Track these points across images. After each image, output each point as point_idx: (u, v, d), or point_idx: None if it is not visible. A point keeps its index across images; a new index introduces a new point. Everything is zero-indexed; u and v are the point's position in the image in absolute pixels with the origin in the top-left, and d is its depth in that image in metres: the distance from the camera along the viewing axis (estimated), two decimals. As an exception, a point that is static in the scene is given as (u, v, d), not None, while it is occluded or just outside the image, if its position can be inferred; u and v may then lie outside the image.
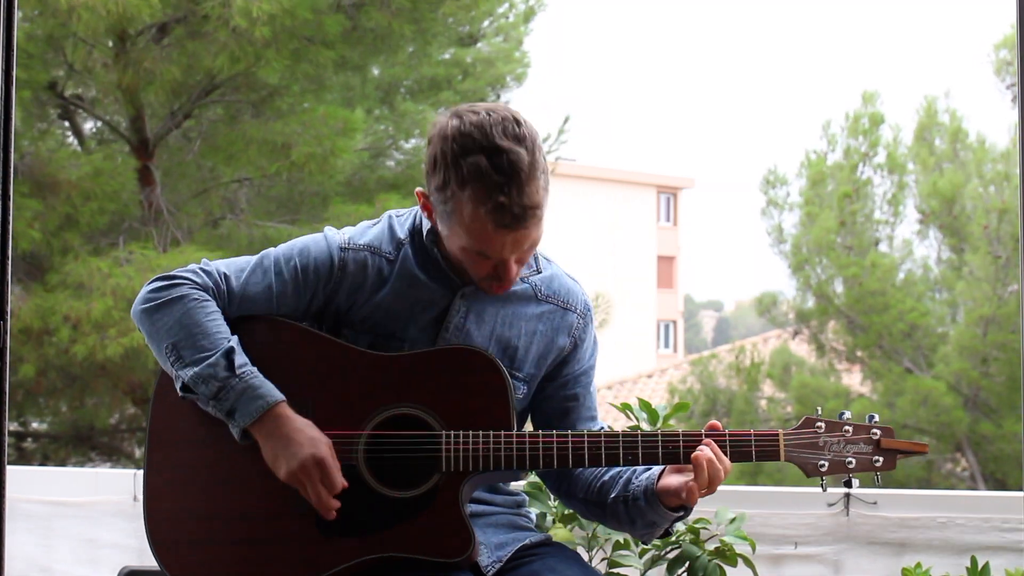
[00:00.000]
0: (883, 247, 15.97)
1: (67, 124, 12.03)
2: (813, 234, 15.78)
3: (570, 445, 2.45)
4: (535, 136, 2.42)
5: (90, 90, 11.53)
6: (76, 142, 12.00)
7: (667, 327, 35.23)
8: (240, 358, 2.43)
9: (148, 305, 2.49)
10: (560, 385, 2.66)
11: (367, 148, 11.77)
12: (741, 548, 3.35)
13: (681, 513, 2.52)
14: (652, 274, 33.80)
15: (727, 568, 3.34)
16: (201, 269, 2.53)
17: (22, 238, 10.12)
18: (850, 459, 2.48)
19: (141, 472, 4.57)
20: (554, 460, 2.44)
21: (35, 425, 13.58)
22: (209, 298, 2.49)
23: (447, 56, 12.47)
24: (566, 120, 13.06)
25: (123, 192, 10.83)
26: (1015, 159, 14.66)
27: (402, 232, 2.58)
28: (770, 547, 4.10)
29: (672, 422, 3.47)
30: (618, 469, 2.59)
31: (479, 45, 12.80)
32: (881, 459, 2.48)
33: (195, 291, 2.48)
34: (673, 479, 2.47)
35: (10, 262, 2.60)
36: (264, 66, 10.26)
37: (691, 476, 2.43)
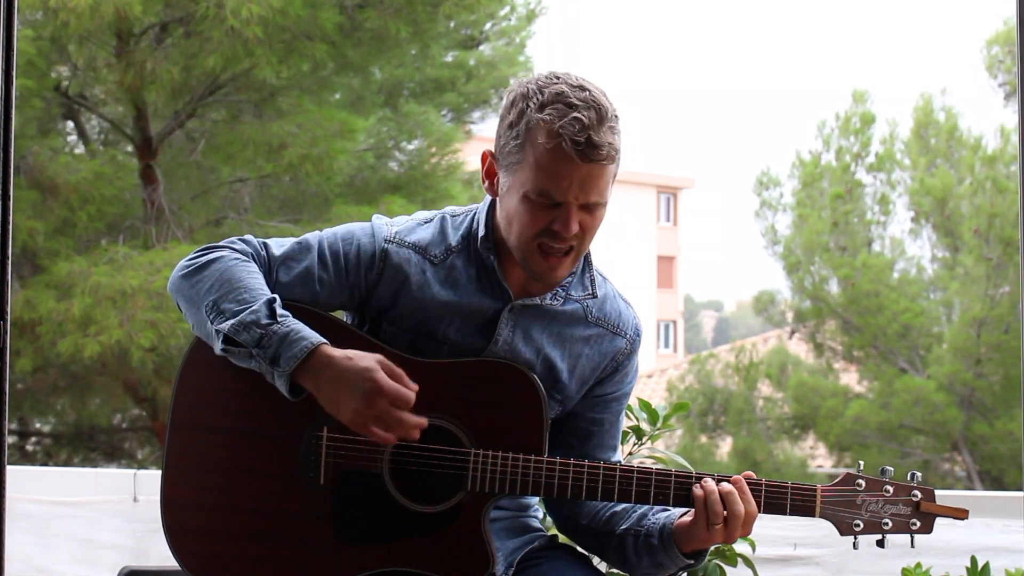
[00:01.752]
0: (876, 247, 15.98)
1: (72, 124, 12.05)
2: (806, 235, 15.78)
3: (600, 478, 2.36)
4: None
5: (94, 90, 11.55)
6: (80, 142, 12.03)
7: (667, 327, 35.25)
8: (282, 308, 2.33)
9: (186, 271, 2.40)
10: (589, 405, 2.55)
11: (369, 149, 11.78)
12: (741, 548, 3.34)
13: (691, 562, 2.44)
14: (652, 274, 33.82)
15: (727, 568, 3.34)
16: (240, 239, 2.47)
17: (20, 237, 10.13)
18: (887, 520, 2.42)
19: (141, 472, 4.55)
20: (583, 491, 2.36)
21: (37, 425, 13.59)
22: (248, 259, 2.41)
23: (450, 59, 12.49)
24: None
25: (122, 196, 10.85)
26: (1008, 161, 14.67)
27: (454, 238, 2.48)
28: (770, 548, 4.09)
29: (672, 422, 3.46)
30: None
31: (482, 48, 12.82)
32: (919, 523, 2.42)
33: (234, 253, 2.42)
34: (690, 518, 2.39)
35: (10, 262, 2.57)
36: (258, 65, 10.26)
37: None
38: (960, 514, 2.43)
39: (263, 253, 2.45)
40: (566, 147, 2.28)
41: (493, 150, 2.42)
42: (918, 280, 16.05)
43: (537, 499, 2.70)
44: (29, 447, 13.22)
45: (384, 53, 11.38)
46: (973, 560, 3.39)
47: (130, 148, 11.47)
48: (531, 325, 2.47)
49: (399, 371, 2.29)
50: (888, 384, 14.94)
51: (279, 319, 2.30)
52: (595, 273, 2.54)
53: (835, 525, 2.41)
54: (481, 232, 2.45)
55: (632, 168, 35.14)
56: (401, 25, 10.72)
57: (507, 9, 12.81)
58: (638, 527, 2.46)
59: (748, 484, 2.36)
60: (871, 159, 16.02)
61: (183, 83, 10.59)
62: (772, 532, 4.15)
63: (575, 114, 2.29)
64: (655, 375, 23.75)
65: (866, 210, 16.00)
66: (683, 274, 36.51)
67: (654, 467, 2.44)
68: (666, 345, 34.93)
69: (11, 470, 2.93)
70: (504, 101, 2.41)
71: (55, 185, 10.36)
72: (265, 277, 2.41)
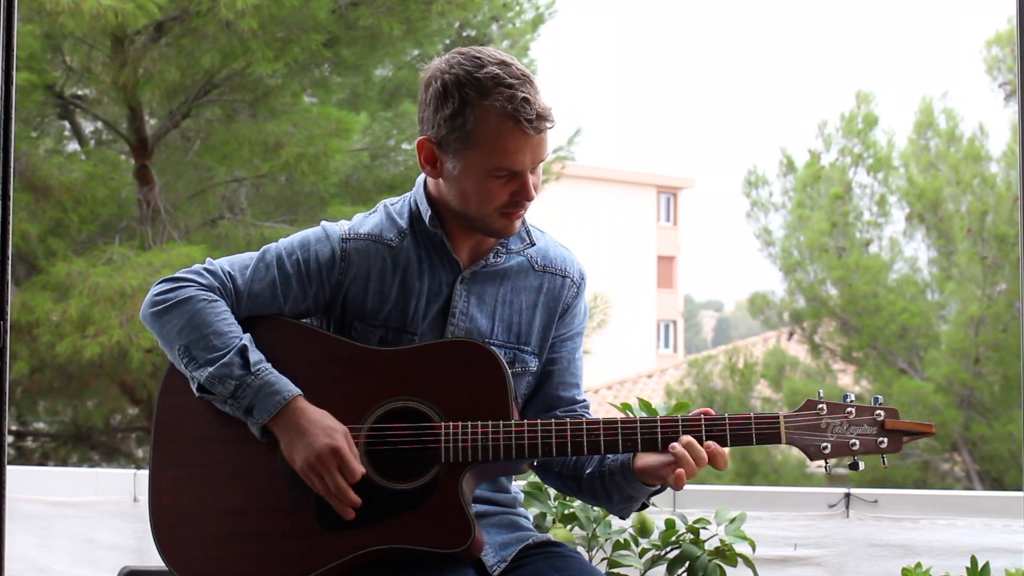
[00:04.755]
0: (873, 248, 15.98)
1: (67, 125, 12.03)
2: (804, 236, 15.78)
3: (569, 433, 2.44)
4: None
5: (89, 90, 11.53)
6: (76, 142, 12.00)
7: (667, 327, 35.22)
8: (255, 355, 2.45)
9: (156, 308, 2.51)
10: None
11: (366, 148, 11.76)
12: (741, 548, 3.35)
13: (658, 487, 2.51)
14: (652, 274, 33.79)
15: (727, 568, 3.34)
16: (206, 269, 2.54)
17: (13, 239, 10.10)
18: (854, 441, 2.41)
19: (141, 472, 4.56)
20: (553, 449, 2.44)
21: (36, 425, 13.57)
22: (217, 297, 2.50)
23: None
24: (576, 132, 13.18)
25: (115, 197, 10.82)
26: (1006, 158, 14.68)
27: (402, 220, 2.59)
28: (770, 548, 4.09)
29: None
30: None
31: (484, 49, 12.81)
32: (886, 440, 2.41)
33: (202, 291, 2.50)
34: (652, 459, 2.46)
35: (10, 262, 2.60)
36: (254, 59, 10.24)
37: (669, 457, 2.42)
38: (926, 428, 2.41)
39: (229, 286, 2.53)
40: (523, 126, 2.42)
41: (430, 137, 2.50)
42: (915, 281, 16.06)
43: (523, 496, 2.80)
44: (26, 445, 13.21)
45: (377, 52, 11.36)
46: (973, 560, 3.39)
47: (125, 148, 11.45)
48: (484, 290, 2.58)
49: (355, 452, 2.43)
50: (887, 386, 14.93)
51: (253, 369, 2.43)
52: (529, 226, 2.65)
53: (803, 450, 2.43)
54: (428, 213, 2.56)
55: (632, 168, 35.17)
56: (394, 23, 10.72)
57: (513, 12, 12.79)
58: (601, 468, 2.55)
59: (713, 422, 2.44)
60: (871, 160, 16.02)
61: (178, 82, 10.58)
62: (772, 532, 4.15)
63: (520, 94, 2.43)
64: (655, 375, 23.72)
65: (863, 210, 16.01)
66: (683, 274, 36.49)
67: (619, 417, 2.52)
68: (666, 345, 34.91)
69: (11, 470, 2.93)
70: (428, 89, 2.49)
71: (47, 186, 10.34)
72: (233, 307, 2.51)
